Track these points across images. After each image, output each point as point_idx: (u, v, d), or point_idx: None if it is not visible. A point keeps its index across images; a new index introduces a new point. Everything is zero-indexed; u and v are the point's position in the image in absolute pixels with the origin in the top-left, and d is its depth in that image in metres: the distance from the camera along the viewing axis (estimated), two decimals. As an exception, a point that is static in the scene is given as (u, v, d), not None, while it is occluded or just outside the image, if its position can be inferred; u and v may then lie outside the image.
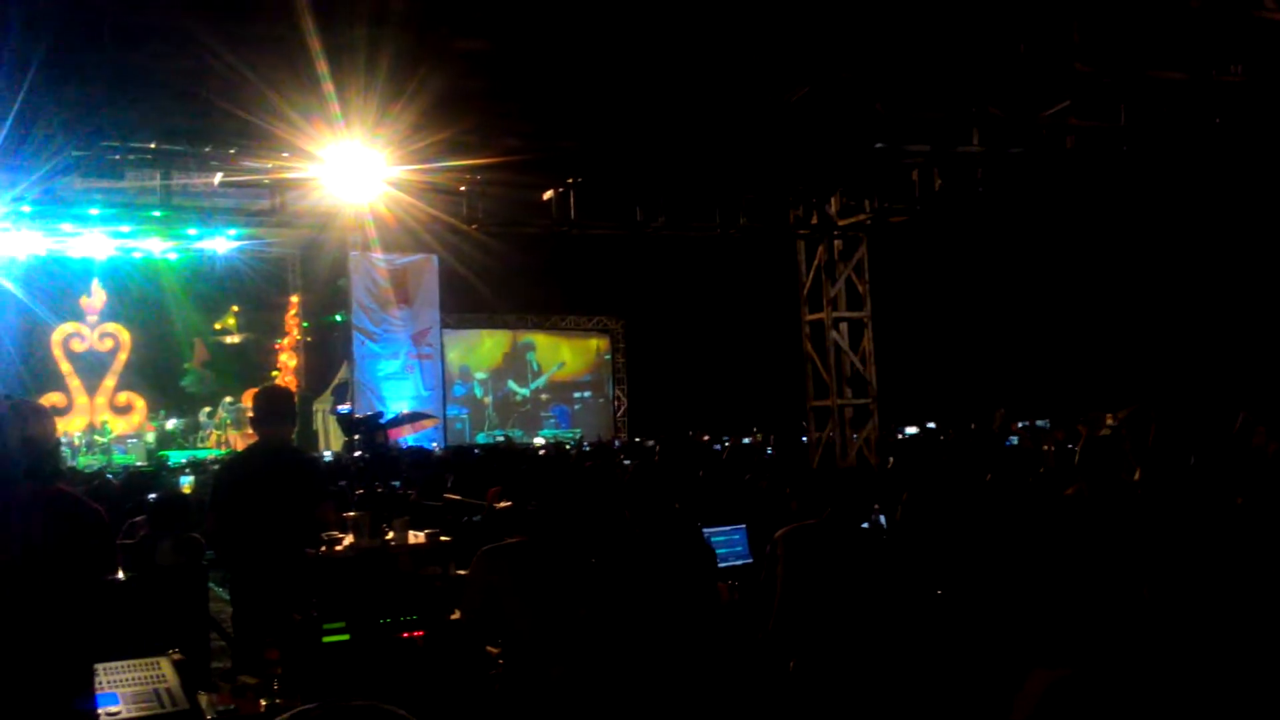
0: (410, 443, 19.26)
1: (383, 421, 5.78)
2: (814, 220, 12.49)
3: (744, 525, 6.60)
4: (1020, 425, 16.61)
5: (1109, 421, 10.37)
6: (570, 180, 10.81)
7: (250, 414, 6.12)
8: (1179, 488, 5.27)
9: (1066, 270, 19.51)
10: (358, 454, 5.38)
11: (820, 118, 8.59)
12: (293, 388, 20.94)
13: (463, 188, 10.61)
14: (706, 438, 19.70)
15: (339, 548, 4.61)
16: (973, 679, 4.82)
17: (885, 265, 13.20)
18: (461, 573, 4.65)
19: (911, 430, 19.11)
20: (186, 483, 12.89)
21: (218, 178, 10.18)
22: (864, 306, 12.81)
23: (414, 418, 18.79)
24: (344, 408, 18.97)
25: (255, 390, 6.58)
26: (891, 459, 11.70)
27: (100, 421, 21.98)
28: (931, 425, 18.98)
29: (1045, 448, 11.93)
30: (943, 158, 10.12)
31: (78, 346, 22.57)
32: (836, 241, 12.63)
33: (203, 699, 3.99)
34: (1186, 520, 4.78)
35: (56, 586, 3.67)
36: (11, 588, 3.61)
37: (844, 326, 12.76)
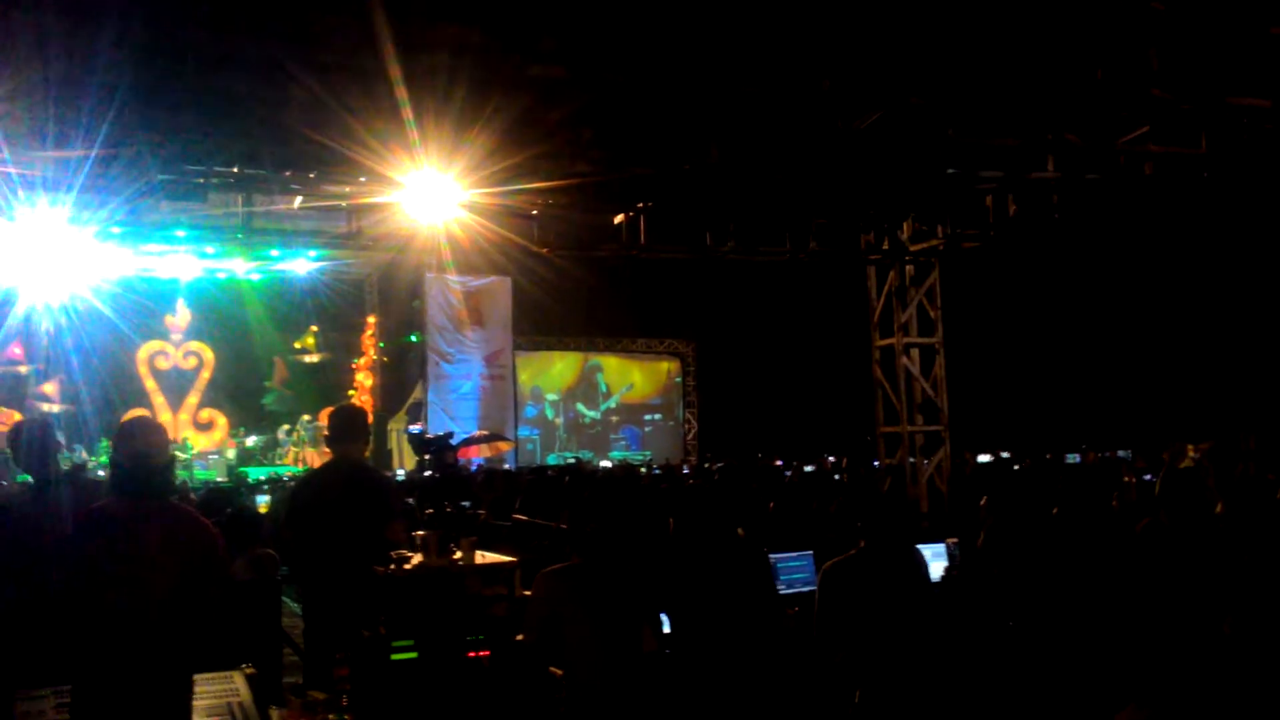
0: (482, 463, 19.40)
1: (454, 442, 5.84)
2: (885, 245, 12.41)
3: (811, 552, 6.57)
4: (1098, 455, 16.28)
5: (1190, 453, 10.14)
6: (641, 205, 10.88)
7: (325, 432, 6.24)
8: (1263, 521, 5.14)
9: (1146, 298, 19.10)
10: (427, 474, 5.45)
11: (891, 143, 8.56)
12: (369, 407, 21.25)
13: (534, 211, 10.74)
14: (778, 462, 19.59)
15: (407, 566, 4.68)
16: (1045, 711, 4.74)
17: (958, 291, 13.06)
18: (527, 594, 4.69)
19: (985, 458, 18.80)
20: (262, 501, 13.13)
21: (297, 201, 10.43)
22: (935, 332, 12.67)
23: (487, 439, 18.95)
24: (415, 428, 19.18)
25: (331, 409, 6.72)
26: (949, 489, 11.54)
27: (183, 438, 22.50)
28: (1005, 454, 18.67)
29: (1127, 479, 11.65)
30: (1017, 183, 10.01)
31: (162, 364, 23.16)
32: (908, 267, 12.53)
33: (274, 713, 4.08)
34: (1271, 554, 4.67)
35: (172, 600, 3.77)
36: (128, 601, 3.71)
37: (915, 352, 12.64)
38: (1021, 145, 9.02)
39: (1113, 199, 10.21)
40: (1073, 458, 15.25)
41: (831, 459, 19.64)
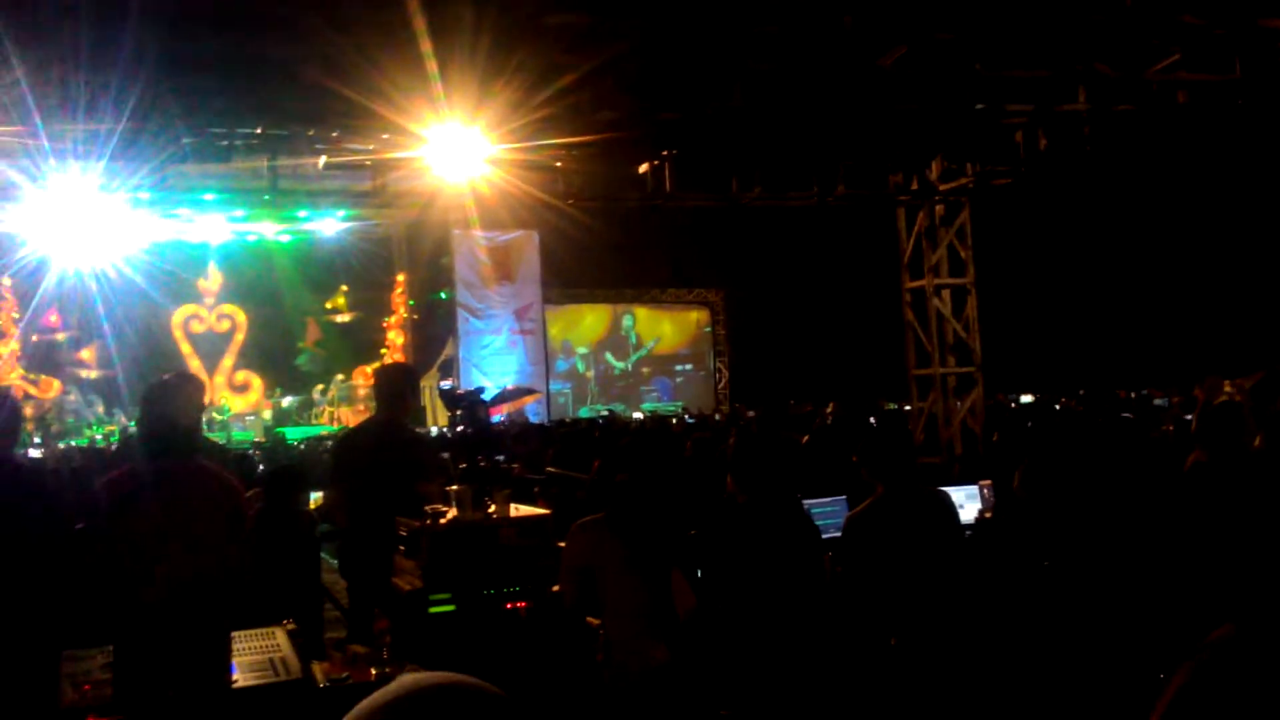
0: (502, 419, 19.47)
1: (484, 397, 5.85)
2: (914, 185, 12.27)
3: (845, 497, 6.55)
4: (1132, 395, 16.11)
5: (1226, 388, 9.99)
6: (666, 153, 10.79)
7: (362, 390, 6.26)
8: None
9: (1181, 231, 18.80)
10: (460, 429, 5.47)
11: (917, 80, 8.43)
12: (400, 365, 21.33)
13: (558, 163, 10.68)
14: (809, 408, 19.55)
15: (443, 521, 4.71)
16: (1080, 650, 4.73)
17: (989, 229, 12.91)
18: (562, 545, 4.73)
19: (1027, 399, 18.63)
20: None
21: (322, 160, 10.42)
22: (967, 272, 12.55)
23: (517, 394, 19.01)
24: (445, 384, 19.27)
25: (376, 367, 6.74)
26: (996, 434, 11.44)
27: (220, 400, 22.74)
28: (1029, 397, 18.50)
29: (1166, 427, 11.49)
30: (1047, 117, 9.83)
31: (197, 328, 23.39)
32: (938, 206, 12.39)
33: (316, 668, 4.13)
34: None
35: (200, 558, 3.82)
36: (157, 562, 3.77)
37: (946, 293, 12.54)
38: (1051, 77, 8.87)
39: (1145, 130, 10.01)
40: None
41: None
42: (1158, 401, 15.76)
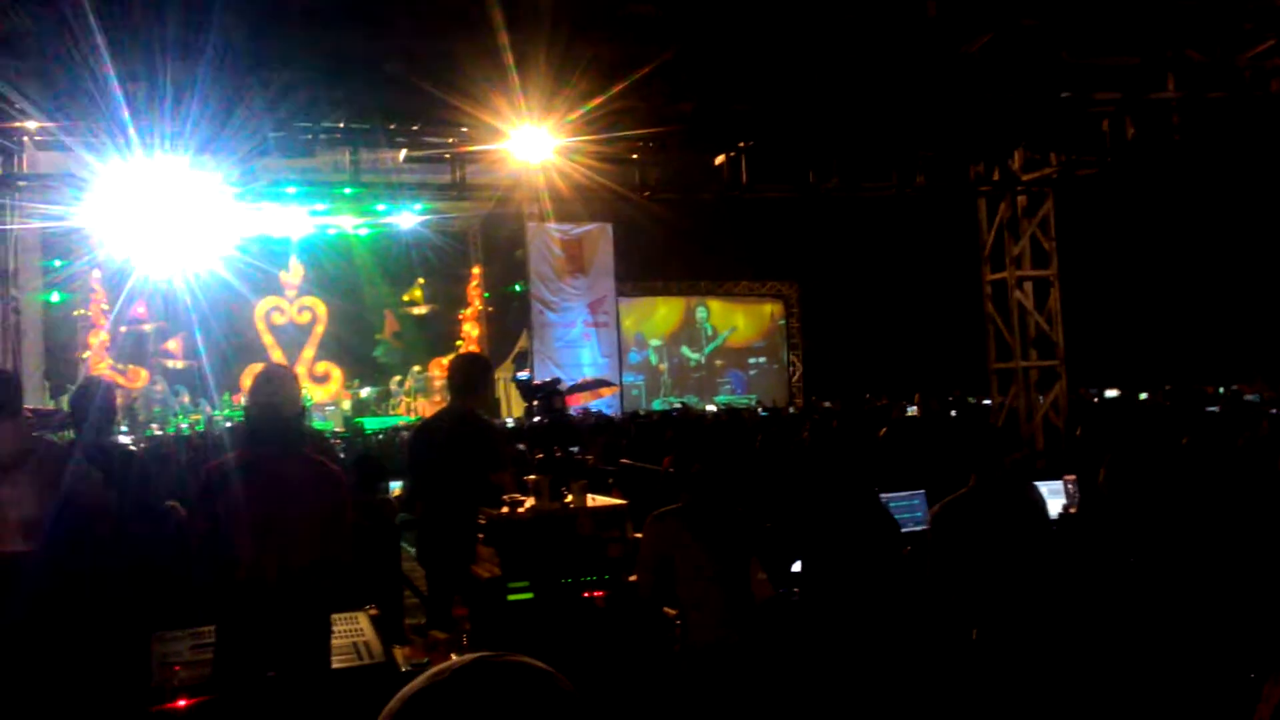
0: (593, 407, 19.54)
1: (561, 388, 5.89)
2: (995, 176, 12.05)
3: (923, 491, 6.49)
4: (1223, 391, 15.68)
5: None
6: (742, 144, 10.73)
7: (438, 381, 6.32)
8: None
9: (1272, 224, 18.21)
10: (536, 419, 5.50)
11: (1002, 67, 8.27)
12: (475, 357, 21.50)
13: (634, 155, 10.67)
14: (884, 402, 19.34)
15: (521, 510, 4.74)
16: (1165, 647, 4.62)
17: (1073, 221, 12.62)
18: (638, 536, 4.73)
19: (1112, 393, 18.21)
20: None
21: (402, 154, 10.54)
22: (1050, 264, 12.30)
23: (594, 385, 19.08)
24: (523, 374, 19.39)
25: (452, 357, 6.78)
26: (1080, 428, 11.20)
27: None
28: (1114, 392, 18.07)
29: (1262, 424, 11.11)
30: (1135, 105, 9.59)
31: (278, 319, 23.80)
32: (1020, 197, 12.16)
33: (397, 652, 4.19)
34: None
35: (302, 547, 3.86)
36: (259, 550, 3.82)
37: (1028, 286, 12.30)
38: (1139, 64, 8.64)
39: (1237, 118, 9.71)
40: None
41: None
42: (1248, 397, 15.29)
